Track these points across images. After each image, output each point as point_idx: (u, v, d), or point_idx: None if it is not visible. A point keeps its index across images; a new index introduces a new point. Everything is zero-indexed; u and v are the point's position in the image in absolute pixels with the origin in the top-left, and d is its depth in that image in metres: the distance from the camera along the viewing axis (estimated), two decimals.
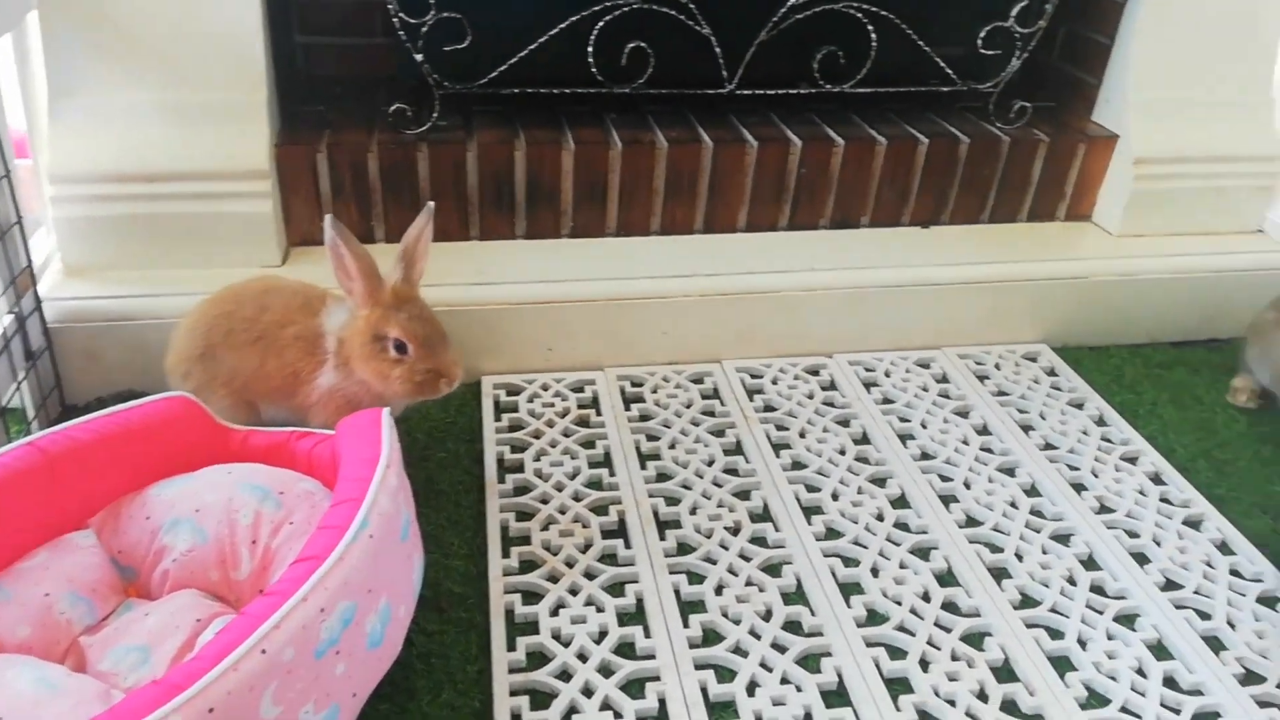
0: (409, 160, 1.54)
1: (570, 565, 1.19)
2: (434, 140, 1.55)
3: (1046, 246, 1.74)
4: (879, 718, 1.02)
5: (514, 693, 1.03)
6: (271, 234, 1.48)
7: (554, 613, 1.12)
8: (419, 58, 1.52)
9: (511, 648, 1.07)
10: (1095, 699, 1.07)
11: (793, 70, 1.69)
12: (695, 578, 1.19)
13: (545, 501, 1.29)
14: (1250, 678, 1.11)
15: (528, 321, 1.53)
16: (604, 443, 1.41)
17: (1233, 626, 1.16)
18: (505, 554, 1.20)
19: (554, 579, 1.17)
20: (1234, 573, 1.25)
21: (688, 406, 1.50)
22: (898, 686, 1.07)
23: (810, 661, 1.09)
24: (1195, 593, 1.21)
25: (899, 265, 1.66)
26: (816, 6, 1.63)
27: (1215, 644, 1.14)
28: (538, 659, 1.07)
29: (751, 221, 1.70)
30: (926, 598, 1.18)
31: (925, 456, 1.43)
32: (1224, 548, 1.29)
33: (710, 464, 1.38)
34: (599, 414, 1.47)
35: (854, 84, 1.69)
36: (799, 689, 1.05)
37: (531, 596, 1.15)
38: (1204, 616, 1.18)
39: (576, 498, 1.30)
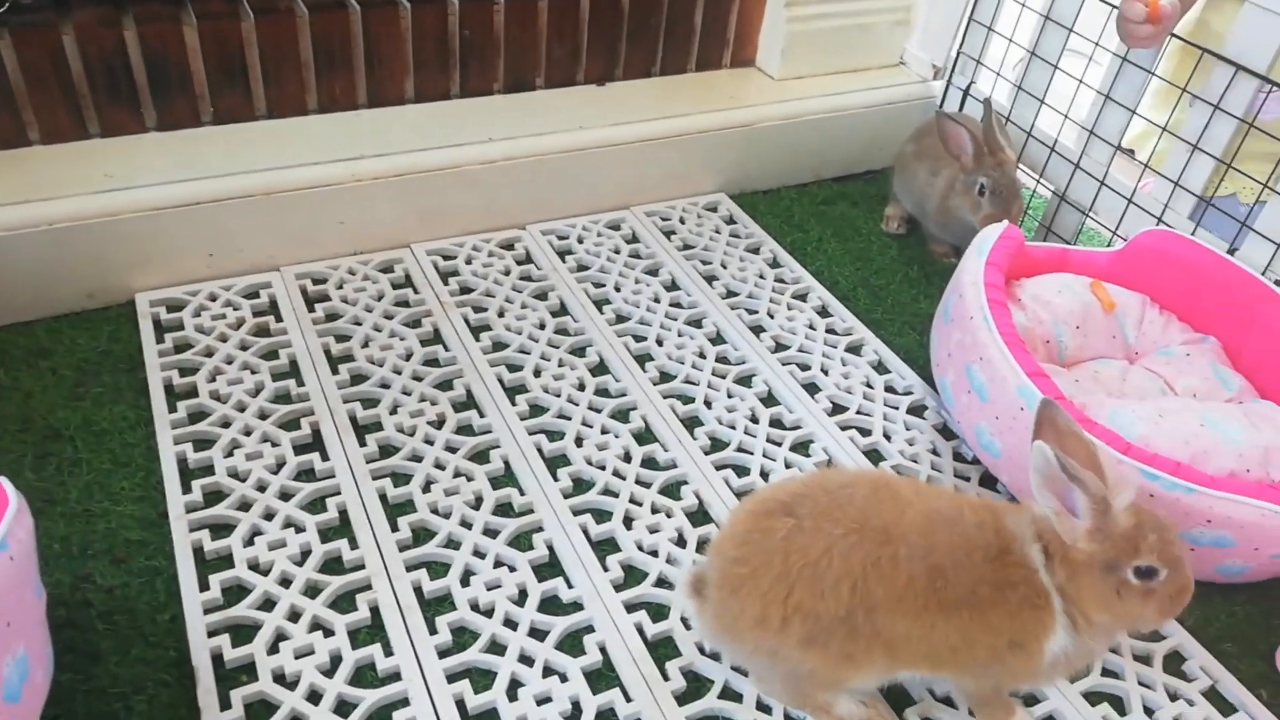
0: None
1: (262, 489, 1.12)
2: (16, 25, 1.29)
3: (716, 96, 1.78)
4: (588, 580, 1.07)
5: (212, 633, 0.97)
6: None
7: (249, 542, 1.07)
8: None
9: (205, 587, 1.01)
10: None
11: None
12: (401, 479, 1.17)
13: (226, 425, 1.20)
14: None
15: (178, 226, 1.37)
16: (288, 351, 1.32)
17: (888, 438, 1.32)
18: (186, 489, 1.11)
19: (245, 507, 1.11)
20: (889, 389, 1.41)
21: (378, 299, 1.43)
22: (605, 548, 1.12)
23: (522, 540, 1.12)
24: (857, 412, 1.36)
25: (580, 127, 1.64)
26: None
27: (876, 456, 1.30)
28: (236, 594, 1.02)
29: (420, 91, 1.61)
30: (628, 458, 1.24)
31: (620, 319, 1.47)
32: (880, 367, 1.45)
33: (408, 358, 1.34)
34: (279, 320, 1.37)
35: None
36: (512, 569, 1.08)
37: (222, 529, 1.08)
38: (865, 433, 1.33)
39: (262, 415, 1.22)
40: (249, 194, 1.40)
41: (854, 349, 1.48)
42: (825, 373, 1.42)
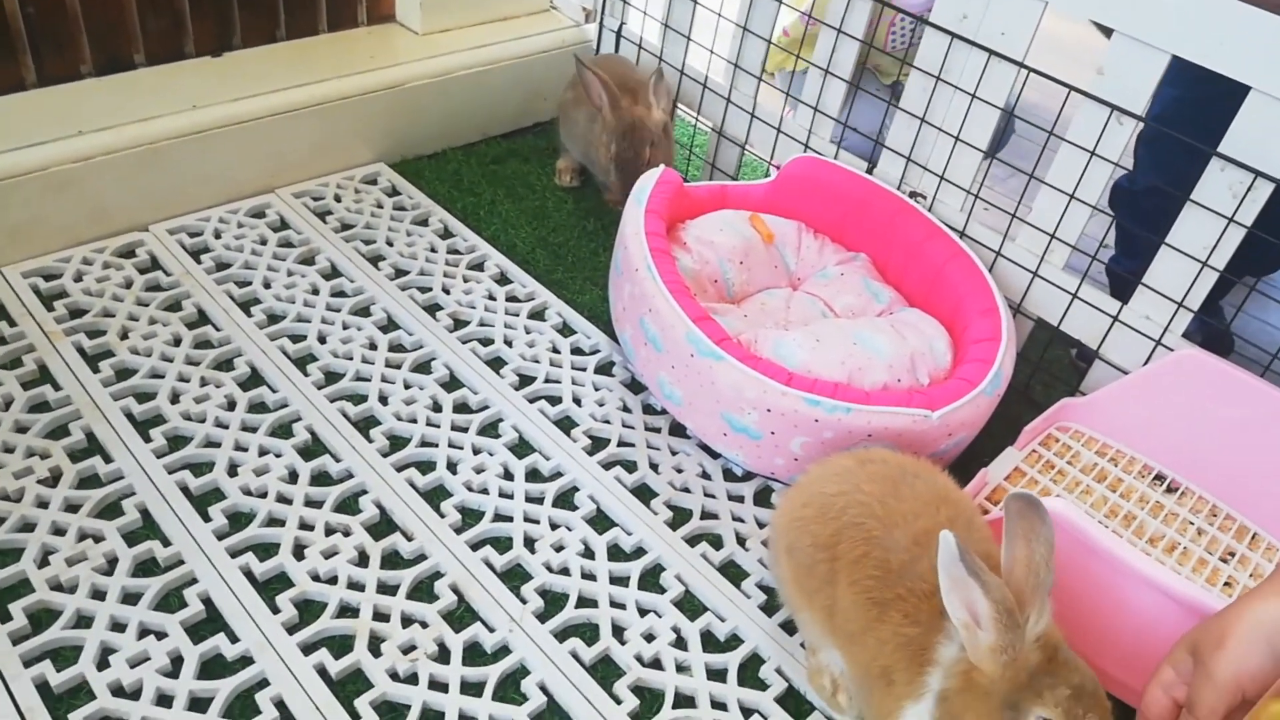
0: None
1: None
2: None
3: (356, 58, 1.63)
4: (255, 629, 0.95)
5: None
6: None
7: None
8: None
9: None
10: (470, 517, 1.12)
11: None
12: (8, 556, 0.98)
13: None
14: (597, 445, 1.24)
15: None
16: None
17: (578, 403, 1.29)
18: None
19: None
20: (576, 350, 1.37)
21: None
22: (276, 585, 1.01)
23: (173, 600, 0.98)
24: (546, 381, 1.31)
25: (198, 105, 1.44)
26: None
27: (567, 423, 1.26)
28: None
29: None
30: (294, 478, 1.12)
31: (273, 320, 1.32)
32: (565, 329, 1.41)
33: (6, 407, 1.12)
34: None
35: None
36: (160, 635, 0.94)
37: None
38: (554, 402, 1.28)
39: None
40: None
41: (537, 314, 1.42)
42: (509, 344, 1.35)
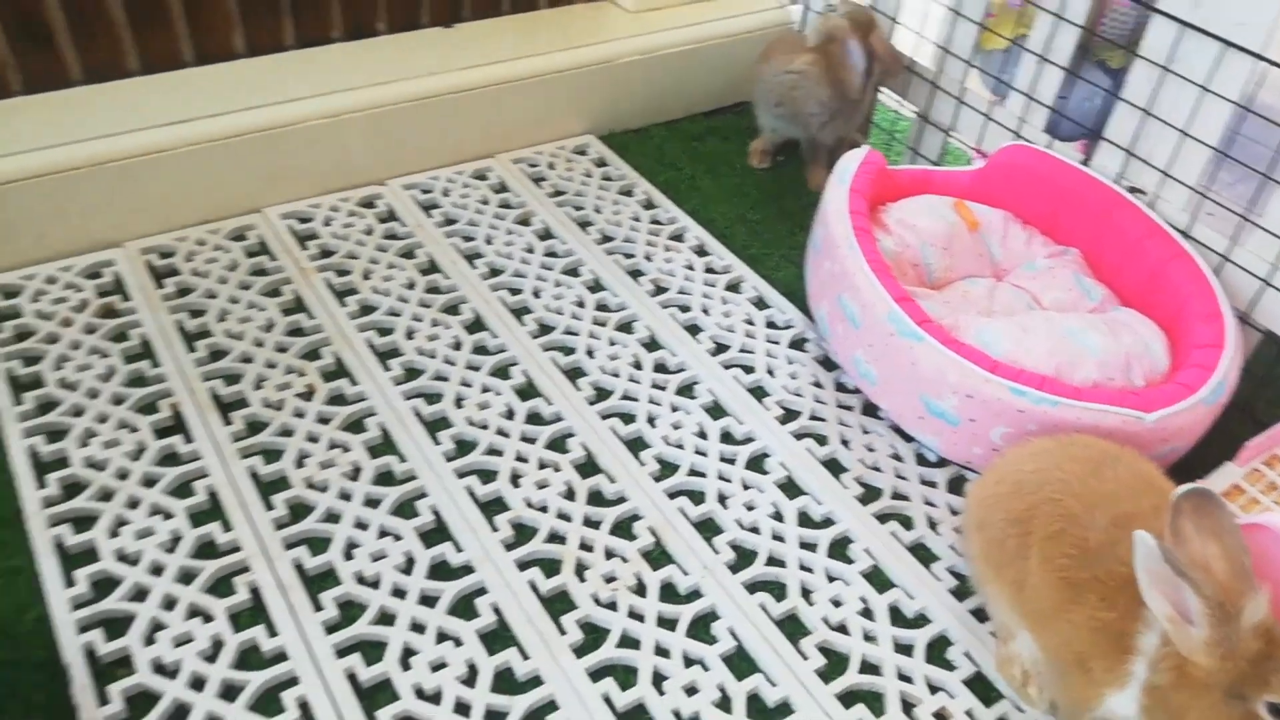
0: None
1: (123, 477, 1.06)
2: None
3: (573, 32, 1.73)
4: (477, 543, 1.05)
5: (83, 629, 0.93)
6: None
7: (114, 533, 1.01)
8: None
9: (71, 583, 0.96)
10: (667, 469, 1.18)
11: None
12: (272, 455, 1.12)
13: (79, 414, 1.12)
14: (789, 416, 1.28)
15: (5, 206, 1.26)
16: (138, 331, 1.24)
17: (772, 374, 1.33)
18: (41, 484, 1.04)
19: (107, 497, 1.05)
20: (770, 324, 1.42)
21: (232, 269, 1.35)
22: (493, 508, 1.10)
23: (406, 508, 1.09)
24: (741, 351, 1.36)
25: (431, 73, 1.56)
26: None
27: (759, 392, 1.30)
28: (105, 586, 0.97)
29: (252, 44, 1.51)
30: (511, 414, 1.22)
31: (494, 273, 1.43)
32: (760, 303, 1.46)
33: (269, 329, 1.27)
34: (126, 299, 1.28)
35: None
36: (397, 538, 1.05)
37: (84, 522, 1.02)
38: (748, 370, 1.33)
39: (117, 401, 1.14)
40: (75, 167, 1.29)
41: (733, 287, 1.48)
42: (706, 313, 1.41)
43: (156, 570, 0.98)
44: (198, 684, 0.90)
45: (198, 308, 1.29)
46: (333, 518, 1.06)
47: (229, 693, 0.90)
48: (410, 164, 1.58)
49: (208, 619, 0.95)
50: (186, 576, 0.98)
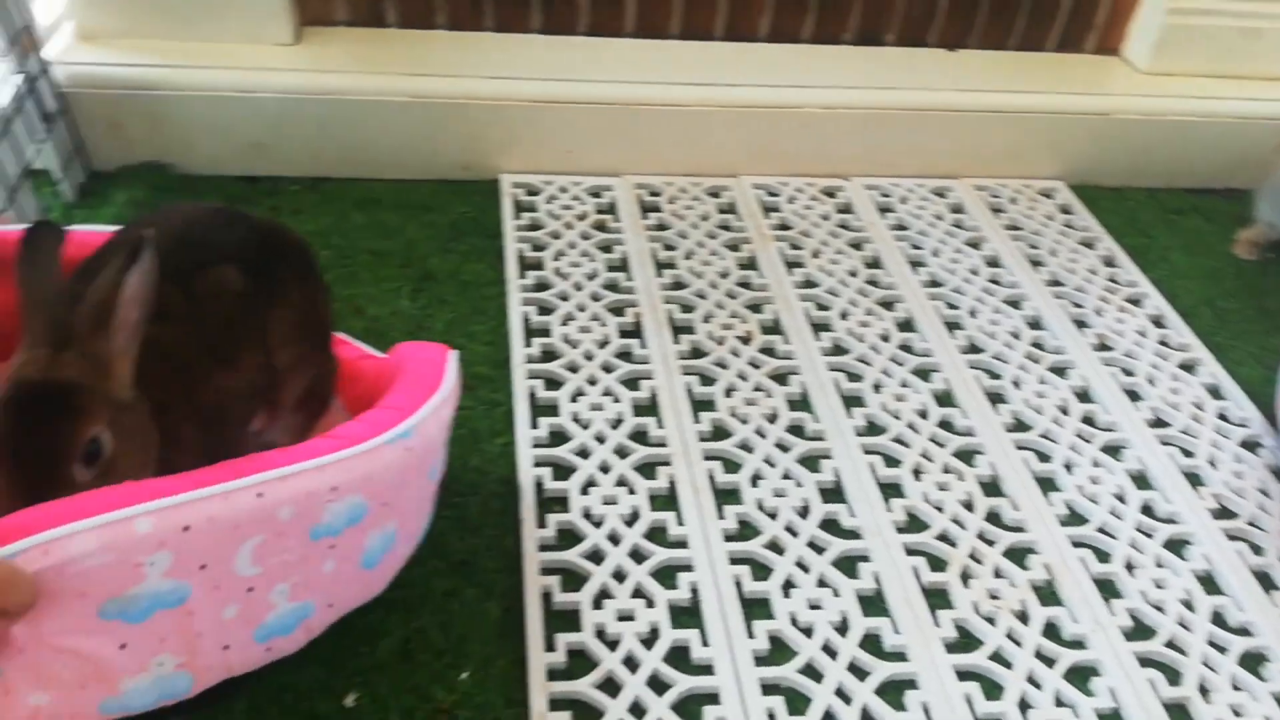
0: None
1: (589, 358, 1.22)
2: None
3: (1072, 79, 1.69)
4: (871, 515, 1.08)
5: (536, 464, 1.09)
6: (284, 8, 1.42)
7: (573, 399, 1.17)
8: None
9: (534, 426, 1.13)
10: (1075, 518, 1.13)
11: None
12: (706, 380, 1.23)
13: (564, 299, 1.31)
14: (1223, 513, 1.17)
15: (546, 122, 1.50)
16: (621, 248, 1.41)
17: (1214, 465, 1.22)
18: (527, 343, 1.24)
19: (573, 369, 1.21)
20: (1221, 416, 1.30)
21: (704, 219, 1.50)
22: (890, 490, 1.13)
23: (810, 461, 1.14)
24: (1182, 431, 1.26)
25: (922, 88, 1.62)
26: None
27: (1194, 479, 1.20)
28: (559, 438, 1.12)
29: (774, 30, 1.65)
30: (924, 414, 1.23)
31: (934, 284, 1.45)
32: (1215, 392, 1.34)
33: (725, 276, 1.40)
34: (616, 220, 1.47)
35: None
36: (799, 484, 1.11)
37: (552, 383, 1.19)
38: (1187, 454, 1.23)
39: (595, 298, 1.32)
40: (607, 102, 1.50)
41: (1187, 367, 1.37)
42: (1151, 384, 1.32)
43: (600, 438, 1.12)
44: (614, 538, 1.02)
45: (670, 243, 1.45)
46: (746, 447, 1.15)
47: (636, 555, 1.01)
48: (876, 166, 1.64)
49: (631, 491, 1.07)
50: (621, 451, 1.11)
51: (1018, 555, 1.08)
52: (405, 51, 1.48)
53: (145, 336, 0.69)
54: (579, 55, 1.55)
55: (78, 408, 0.64)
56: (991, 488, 1.16)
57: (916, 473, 1.15)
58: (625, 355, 1.25)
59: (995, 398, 1.28)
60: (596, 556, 1.00)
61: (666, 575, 1.00)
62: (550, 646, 0.92)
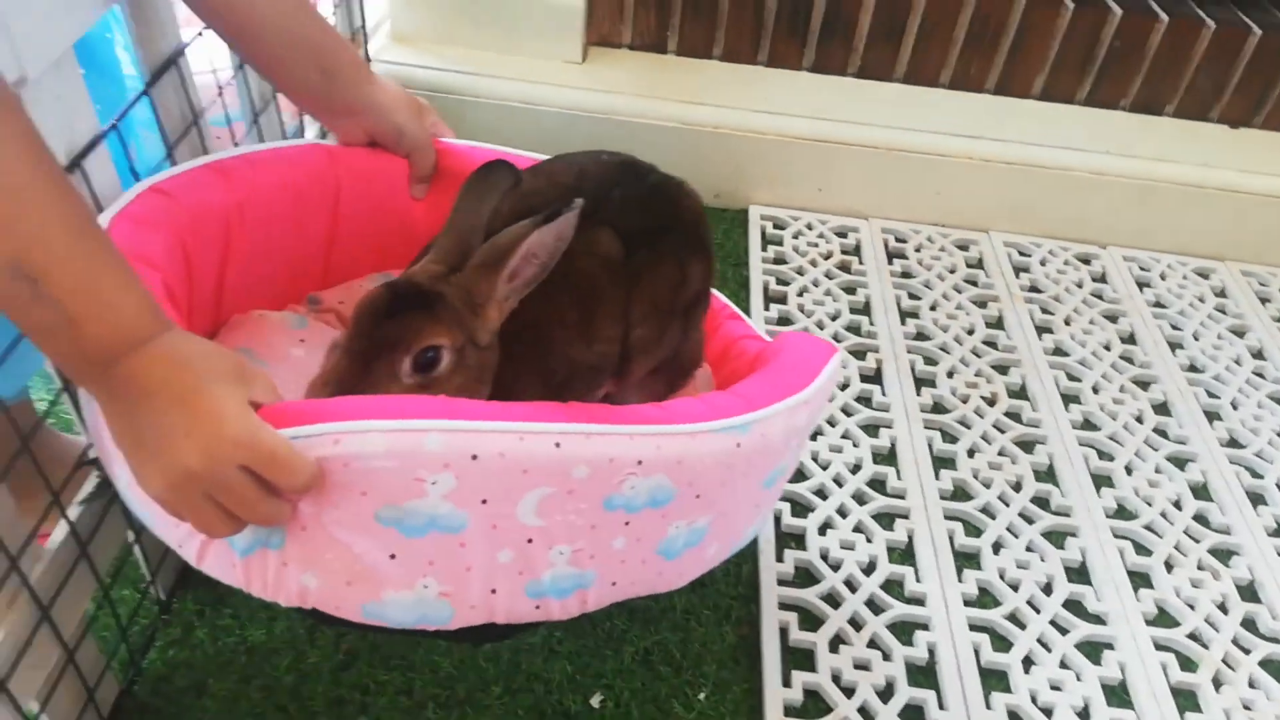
0: None
1: (829, 399, 1.23)
2: None
3: None
4: (1118, 602, 1.04)
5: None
6: (577, 29, 1.51)
7: (812, 437, 1.18)
8: None
9: None
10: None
11: None
12: (948, 436, 1.22)
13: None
14: None
15: (801, 157, 1.52)
16: (865, 291, 1.42)
17: None
18: None
19: None
20: None
21: (951, 271, 1.48)
22: (1139, 579, 1.08)
23: (1056, 537, 1.11)
24: None
25: (1199, 164, 1.55)
26: None
27: None
28: (798, 474, 1.14)
29: (1047, 89, 1.61)
30: (1178, 505, 1.17)
31: (1193, 369, 1.38)
32: None
33: (970, 332, 1.38)
34: (861, 262, 1.48)
35: None
36: (1042, 558, 1.08)
37: None
38: None
39: (836, 338, 1.33)
40: (862, 145, 1.51)
41: None
42: None
43: (838, 481, 1.13)
44: (850, 585, 1.03)
45: (915, 291, 1.44)
46: (989, 512, 1.13)
47: (873, 605, 1.01)
48: (1137, 238, 1.58)
49: (869, 539, 1.07)
50: (860, 498, 1.12)
51: (1276, 668, 1.01)
52: (680, 79, 1.54)
53: (519, 304, 0.69)
54: (843, 96, 1.57)
55: (434, 315, 0.66)
56: (1248, 592, 1.09)
57: (1168, 565, 1.10)
58: (865, 400, 1.25)
59: (1256, 498, 1.20)
60: (833, 600, 1.01)
61: (903, 630, 0.99)
62: (786, 682, 0.93)
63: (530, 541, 0.65)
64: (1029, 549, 1.09)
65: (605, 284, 0.75)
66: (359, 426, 0.59)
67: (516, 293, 0.69)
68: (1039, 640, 1.00)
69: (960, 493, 1.15)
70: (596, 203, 0.73)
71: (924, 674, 0.97)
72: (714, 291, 0.91)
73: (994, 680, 0.97)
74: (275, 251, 0.90)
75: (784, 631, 0.98)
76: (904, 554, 1.07)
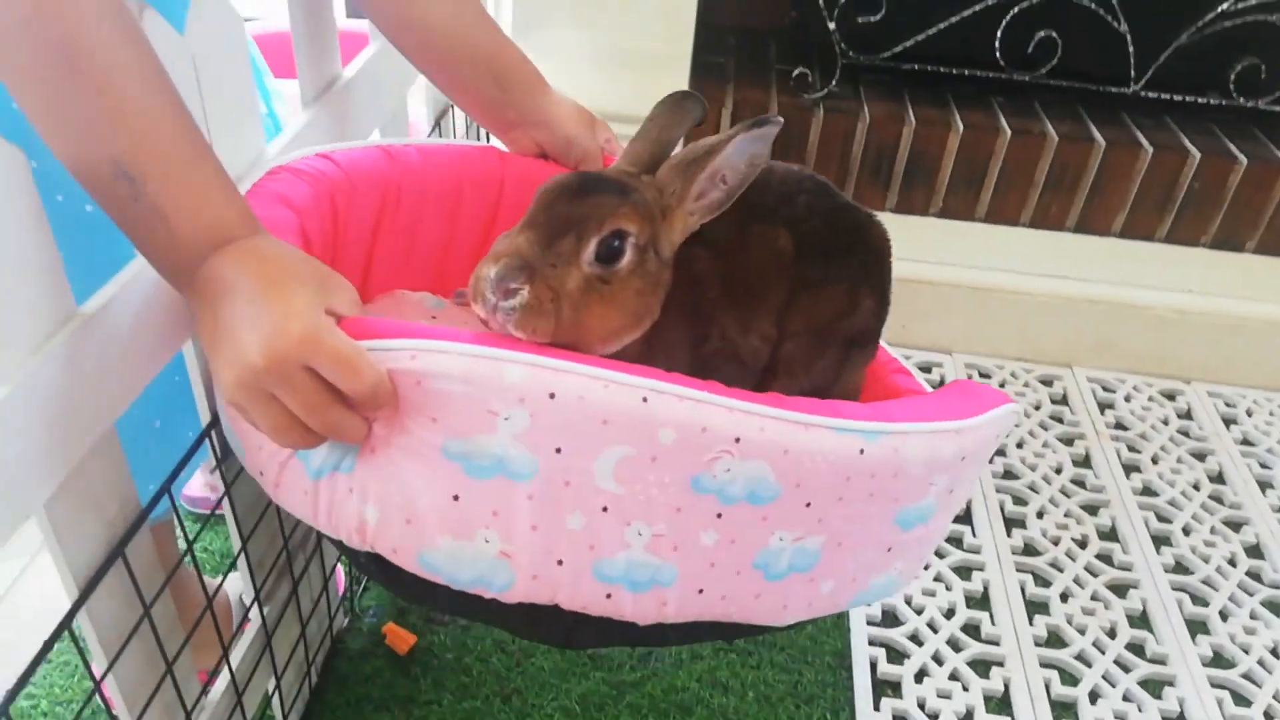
0: (803, 124, 1.62)
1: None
2: (829, 107, 1.62)
3: None
4: (1180, 655, 1.06)
5: (871, 643, 1.14)
6: None
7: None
8: (832, 26, 1.58)
9: (869, 620, 1.18)
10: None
11: (1204, 78, 1.62)
12: (1040, 580, 1.24)
13: None
14: None
15: None
16: None
17: None
18: None
19: None
20: None
21: (1036, 408, 1.52)
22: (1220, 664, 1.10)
23: (1153, 686, 1.12)
24: None
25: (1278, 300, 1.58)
26: (1249, 15, 1.54)
27: None
28: (892, 619, 1.18)
29: (1127, 228, 1.66)
30: (1276, 653, 1.18)
31: None
32: None
33: (1058, 471, 1.41)
34: None
35: (1272, 100, 1.60)
36: (1140, 708, 1.09)
37: None
38: None
39: None
40: (950, 283, 1.58)
41: None
42: None
43: (933, 626, 1.17)
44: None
45: None
46: (1084, 660, 1.15)
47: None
48: (1221, 374, 1.60)
49: (965, 688, 1.10)
50: (955, 644, 1.15)
51: None
52: None
53: (688, 256, 0.66)
54: (927, 235, 1.64)
55: (629, 203, 0.62)
56: None
57: (1267, 717, 1.10)
58: (956, 541, 1.29)
59: None
60: None
61: None
62: None
63: (605, 510, 0.57)
64: (1126, 699, 1.10)
65: (772, 278, 0.70)
66: (440, 346, 0.56)
67: (701, 213, 0.65)
68: None
69: (1055, 638, 1.17)
70: (780, 201, 0.70)
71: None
72: (882, 344, 0.80)
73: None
74: (428, 238, 0.87)
75: None
76: (1000, 703, 1.09)
